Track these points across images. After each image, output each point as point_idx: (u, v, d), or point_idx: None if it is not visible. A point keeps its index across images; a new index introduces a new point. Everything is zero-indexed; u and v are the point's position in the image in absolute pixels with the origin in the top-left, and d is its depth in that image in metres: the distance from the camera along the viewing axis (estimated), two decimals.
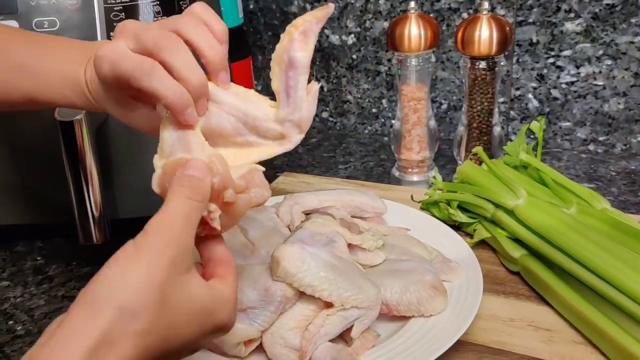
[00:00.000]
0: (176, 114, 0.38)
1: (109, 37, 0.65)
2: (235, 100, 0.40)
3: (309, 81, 0.41)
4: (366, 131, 1.04)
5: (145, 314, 0.30)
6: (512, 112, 0.91)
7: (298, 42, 0.39)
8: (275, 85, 0.40)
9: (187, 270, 0.33)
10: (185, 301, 0.33)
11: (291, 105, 0.40)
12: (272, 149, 0.42)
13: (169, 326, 0.32)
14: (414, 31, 0.72)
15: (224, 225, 0.38)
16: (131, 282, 0.31)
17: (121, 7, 0.65)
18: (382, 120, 1.02)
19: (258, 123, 0.41)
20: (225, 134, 0.41)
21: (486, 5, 0.70)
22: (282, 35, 0.39)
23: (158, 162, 0.39)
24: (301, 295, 0.48)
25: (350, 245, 0.53)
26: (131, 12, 0.65)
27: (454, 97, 0.94)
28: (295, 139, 0.42)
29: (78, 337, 0.29)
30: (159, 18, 0.66)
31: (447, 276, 0.54)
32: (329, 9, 0.39)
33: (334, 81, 1.02)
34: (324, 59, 1.01)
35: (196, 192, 0.35)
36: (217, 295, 0.35)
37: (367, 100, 1.01)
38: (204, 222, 0.36)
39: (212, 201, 0.37)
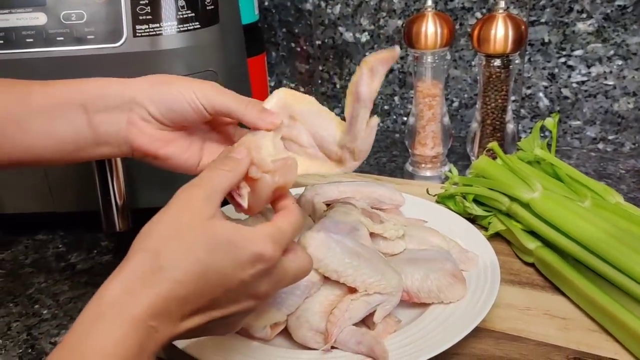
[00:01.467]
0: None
1: (134, 30, 0.66)
2: (313, 120, 0.47)
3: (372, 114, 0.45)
4: (378, 128, 1.05)
5: (166, 252, 0.35)
6: (522, 111, 0.93)
7: (366, 78, 0.43)
8: (346, 113, 0.45)
9: (211, 216, 0.36)
10: (208, 238, 0.36)
11: (351, 134, 0.45)
12: (331, 168, 0.47)
13: (197, 261, 0.35)
14: (430, 29, 0.74)
15: (251, 206, 0.41)
16: (155, 229, 0.36)
17: (147, 1, 0.66)
18: (394, 117, 1.03)
19: (324, 143, 0.47)
20: (302, 144, 0.47)
21: (502, 4, 0.72)
22: (357, 68, 0.43)
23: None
24: (326, 280, 0.49)
25: (372, 234, 0.54)
26: (156, 5, 0.67)
27: (466, 95, 0.96)
28: (349, 164, 0.47)
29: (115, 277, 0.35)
30: (183, 11, 0.68)
31: (465, 265, 0.56)
32: (395, 52, 0.43)
33: (347, 78, 1.04)
34: (338, 56, 1.03)
35: (228, 165, 0.40)
36: (246, 229, 0.37)
37: (379, 97, 1.03)
38: (233, 199, 0.41)
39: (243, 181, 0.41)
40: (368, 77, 0.43)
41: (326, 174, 0.46)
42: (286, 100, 0.47)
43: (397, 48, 0.42)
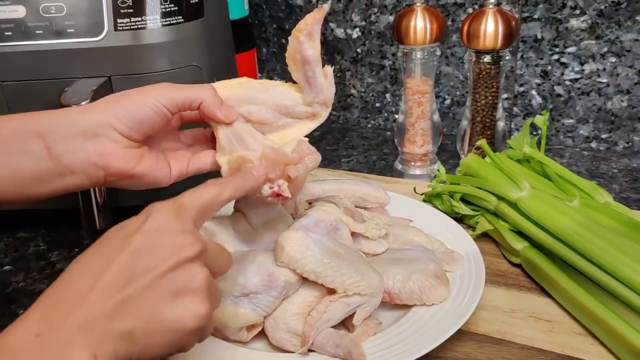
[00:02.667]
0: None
1: (116, 24, 0.65)
2: (267, 96, 0.50)
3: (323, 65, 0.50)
4: (369, 125, 1.04)
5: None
6: (515, 108, 0.92)
7: (306, 42, 0.47)
8: (296, 77, 0.50)
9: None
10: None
11: (314, 91, 0.50)
12: (308, 125, 0.51)
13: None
14: (419, 24, 0.73)
15: (292, 192, 0.47)
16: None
17: None
18: (386, 114, 1.02)
19: (291, 109, 0.50)
20: (269, 122, 0.50)
21: None
22: (290, 39, 0.48)
23: (221, 158, 0.48)
24: (304, 281, 0.48)
25: (353, 234, 0.53)
26: None
27: (457, 93, 0.95)
28: (324, 113, 0.51)
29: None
30: (166, 5, 0.66)
31: (450, 266, 0.54)
32: (324, 9, 0.47)
33: (338, 75, 1.02)
34: (329, 52, 1.02)
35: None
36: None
37: (370, 94, 1.01)
38: (277, 195, 0.46)
39: (281, 178, 0.46)
40: (308, 42, 0.47)
41: (311, 129, 0.50)
42: (225, 94, 0.49)
43: (325, 6, 0.46)
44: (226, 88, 0.50)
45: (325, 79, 0.49)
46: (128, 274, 0.33)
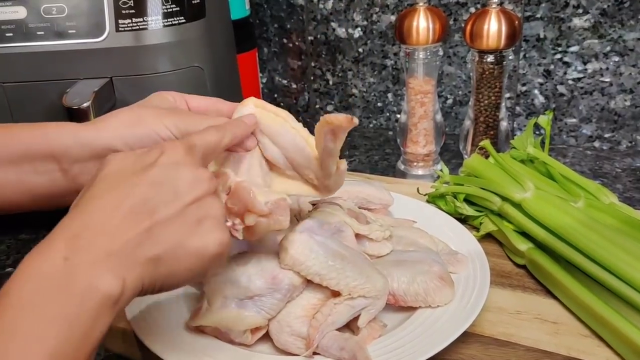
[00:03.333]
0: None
1: (117, 24, 0.65)
2: (290, 143, 0.47)
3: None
4: (371, 125, 1.04)
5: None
6: (517, 108, 0.91)
7: (330, 137, 0.43)
8: (317, 147, 0.45)
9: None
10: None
11: (324, 172, 0.46)
12: (309, 192, 0.48)
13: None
14: (422, 24, 0.72)
15: (247, 237, 0.43)
16: None
17: None
18: (387, 114, 1.02)
19: (301, 169, 0.47)
20: (278, 166, 0.48)
21: None
22: (322, 119, 0.42)
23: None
24: (308, 283, 0.48)
25: (357, 235, 0.52)
26: None
27: (460, 92, 0.94)
28: (325, 195, 0.49)
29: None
30: (167, 5, 0.66)
31: (454, 268, 0.54)
32: (355, 123, 0.42)
33: (340, 74, 1.02)
34: (330, 52, 1.01)
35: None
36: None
37: (372, 94, 1.01)
38: (230, 232, 0.42)
39: (238, 217, 0.42)
40: (333, 136, 0.42)
41: (306, 197, 0.47)
42: (259, 116, 0.47)
43: (355, 120, 0.41)
44: (263, 112, 0.47)
45: (336, 170, 0.46)
46: (152, 204, 0.35)
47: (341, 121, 0.41)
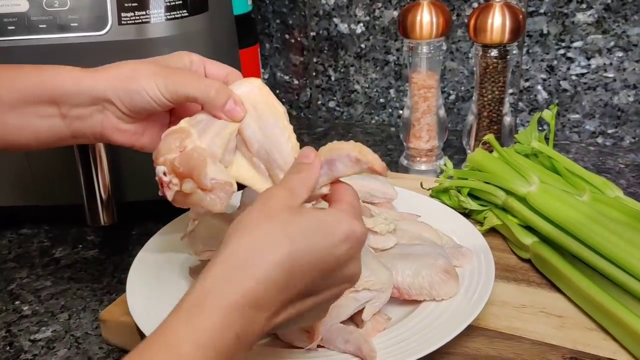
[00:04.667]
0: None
1: (120, 18, 0.64)
2: (271, 132, 0.44)
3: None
4: (373, 121, 1.03)
5: (261, 234, 0.35)
6: (520, 104, 0.91)
7: (350, 160, 0.41)
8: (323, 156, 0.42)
9: (299, 205, 0.37)
10: (300, 221, 0.36)
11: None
12: (259, 182, 0.44)
13: (292, 242, 0.35)
14: (425, 18, 0.72)
15: (177, 201, 0.42)
16: (246, 217, 0.36)
17: None
18: (390, 110, 1.01)
19: (273, 164, 0.43)
20: (251, 149, 0.44)
21: None
22: (351, 142, 0.41)
23: (182, 122, 0.44)
24: None
25: None
26: None
27: (463, 88, 0.94)
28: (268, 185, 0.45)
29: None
30: None
31: (459, 261, 0.54)
32: (384, 173, 0.42)
33: (342, 70, 1.02)
34: (332, 47, 1.01)
35: (303, 171, 0.40)
36: (330, 211, 0.38)
37: (374, 90, 1.01)
38: (162, 185, 0.41)
39: (177, 176, 0.41)
40: (351, 162, 0.41)
41: (258, 190, 0.43)
42: (258, 97, 0.45)
43: (387, 172, 0.41)
44: (265, 96, 0.45)
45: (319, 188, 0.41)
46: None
47: (377, 162, 0.40)
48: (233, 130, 0.43)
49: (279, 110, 0.45)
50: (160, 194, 0.42)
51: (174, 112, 0.49)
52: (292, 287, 0.34)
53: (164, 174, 0.41)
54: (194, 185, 0.41)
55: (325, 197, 0.42)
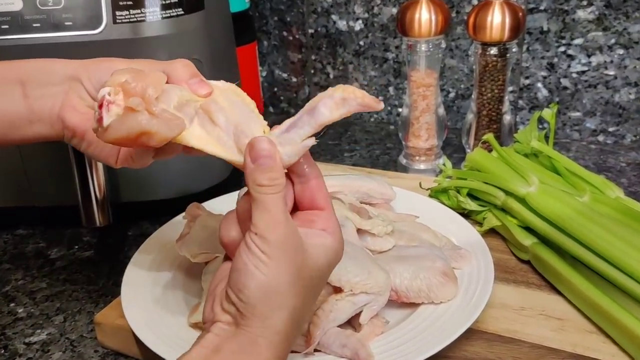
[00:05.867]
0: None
1: (115, 16, 0.63)
2: (239, 111, 0.40)
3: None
4: (372, 119, 1.03)
5: (297, 303, 0.36)
6: (520, 102, 0.90)
7: (334, 102, 0.37)
8: (288, 119, 0.39)
9: (304, 251, 0.36)
10: (313, 267, 0.36)
11: (281, 138, 0.38)
12: (233, 156, 0.39)
13: (312, 292, 0.38)
14: (424, 16, 0.71)
15: (112, 127, 0.36)
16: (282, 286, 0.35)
17: None
18: (389, 108, 1.00)
19: (242, 136, 0.39)
20: (216, 122, 0.40)
21: None
22: (330, 87, 0.38)
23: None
24: None
25: (359, 231, 0.52)
26: None
27: (462, 86, 0.93)
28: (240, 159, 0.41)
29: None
30: None
31: (457, 263, 0.53)
32: (379, 106, 0.38)
33: (340, 68, 1.01)
34: (331, 45, 1.00)
35: (275, 184, 0.36)
36: (330, 243, 0.37)
37: (373, 87, 1.00)
38: (100, 106, 0.36)
39: (125, 95, 0.36)
40: (337, 104, 0.37)
41: (225, 159, 0.39)
42: (228, 88, 0.42)
43: (382, 104, 0.38)
44: (236, 91, 0.42)
45: (300, 142, 0.38)
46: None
47: (366, 98, 0.37)
48: (195, 99, 0.39)
49: (248, 101, 0.42)
50: (93, 126, 0.37)
51: None
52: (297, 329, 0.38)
53: (109, 94, 0.36)
54: (142, 102, 0.36)
55: (297, 168, 0.38)
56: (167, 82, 0.40)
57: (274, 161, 0.36)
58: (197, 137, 0.39)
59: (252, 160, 0.36)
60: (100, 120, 0.36)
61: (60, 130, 0.46)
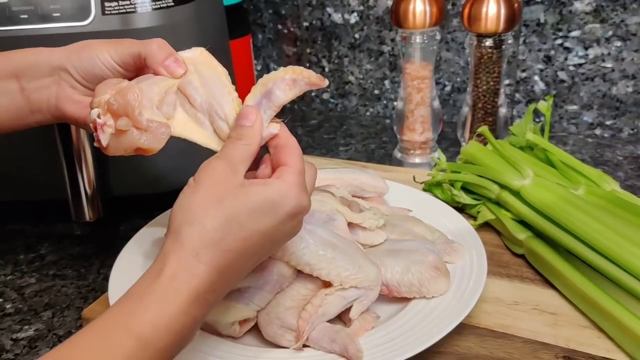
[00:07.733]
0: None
1: (103, 7, 0.62)
2: (213, 88, 0.43)
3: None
4: (368, 113, 1.02)
5: (212, 223, 0.36)
6: (517, 95, 0.89)
7: (286, 84, 0.41)
8: (249, 101, 0.42)
9: (241, 184, 0.37)
10: (247, 203, 0.37)
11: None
12: (212, 143, 0.43)
13: (241, 227, 0.36)
14: (419, 7, 0.70)
15: (111, 147, 0.40)
16: (192, 202, 0.37)
17: None
18: (385, 102, 1.00)
19: (215, 117, 0.43)
20: (194, 104, 0.43)
21: None
22: (281, 68, 0.42)
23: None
24: (299, 274, 0.46)
25: (350, 224, 0.51)
26: None
27: (458, 79, 0.92)
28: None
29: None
30: None
31: (450, 257, 0.52)
32: (324, 83, 0.41)
33: (336, 61, 1.00)
34: (326, 38, 0.99)
35: (243, 137, 0.40)
36: (276, 186, 0.38)
37: (369, 81, 0.99)
38: (95, 129, 0.40)
39: (112, 116, 0.40)
40: (289, 85, 0.41)
41: (203, 145, 0.43)
42: (199, 59, 0.45)
43: (326, 82, 0.41)
44: (208, 60, 0.45)
45: (265, 127, 0.41)
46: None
47: (313, 76, 0.40)
48: (172, 85, 0.43)
49: (219, 71, 0.45)
50: (95, 144, 0.41)
51: None
52: (243, 267, 0.38)
53: (99, 116, 0.40)
54: (129, 122, 0.40)
55: (273, 140, 0.41)
56: (144, 64, 0.44)
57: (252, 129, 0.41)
58: (182, 124, 0.43)
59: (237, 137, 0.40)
60: (99, 141, 0.40)
61: (63, 119, 0.48)
